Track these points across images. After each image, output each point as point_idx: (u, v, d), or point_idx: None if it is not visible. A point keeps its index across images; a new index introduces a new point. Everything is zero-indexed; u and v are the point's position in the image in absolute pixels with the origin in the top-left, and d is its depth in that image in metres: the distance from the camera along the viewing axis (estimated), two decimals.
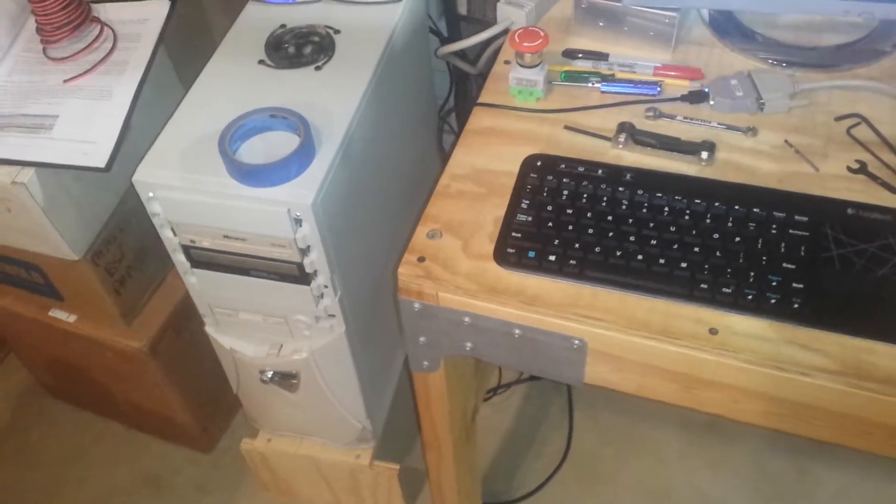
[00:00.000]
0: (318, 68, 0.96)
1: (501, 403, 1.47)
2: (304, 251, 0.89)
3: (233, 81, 0.95)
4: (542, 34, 0.84)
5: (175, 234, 0.91)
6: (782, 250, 0.70)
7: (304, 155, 0.85)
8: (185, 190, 0.85)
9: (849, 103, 0.84)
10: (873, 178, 0.78)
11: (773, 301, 0.67)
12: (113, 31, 1.07)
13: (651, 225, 0.73)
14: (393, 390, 1.26)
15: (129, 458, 1.45)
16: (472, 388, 0.99)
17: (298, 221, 0.85)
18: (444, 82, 1.33)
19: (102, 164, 0.94)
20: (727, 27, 0.93)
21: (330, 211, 0.86)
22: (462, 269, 0.74)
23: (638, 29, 0.90)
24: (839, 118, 0.83)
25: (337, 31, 1.00)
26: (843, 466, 1.36)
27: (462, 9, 1.33)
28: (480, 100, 0.88)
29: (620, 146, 0.82)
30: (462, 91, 1.37)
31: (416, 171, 1.20)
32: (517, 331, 0.72)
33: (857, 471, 1.35)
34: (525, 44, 0.83)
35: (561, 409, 1.45)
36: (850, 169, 0.79)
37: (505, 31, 0.96)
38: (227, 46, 1.00)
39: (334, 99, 0.91)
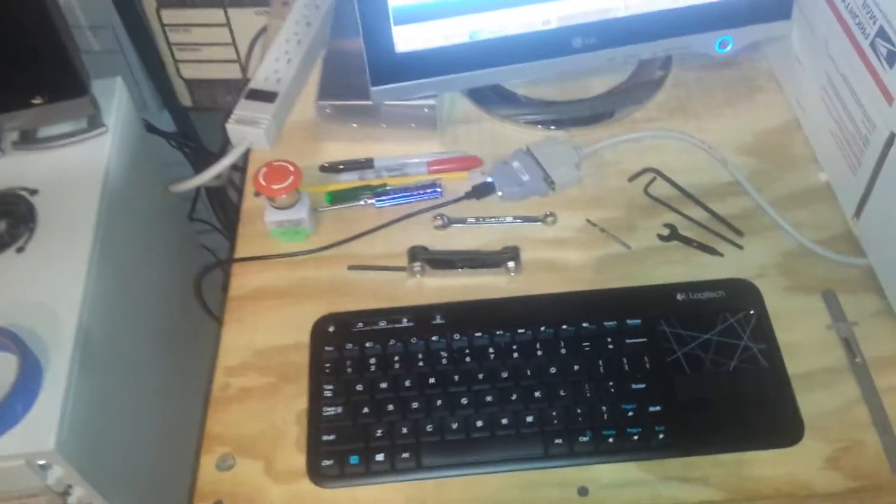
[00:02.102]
0: (20, 250, 0.75)
1: None
2: (66, 493, 0.69)
3: None
4: (291, 169, 0.69)
5: None
6: (626, 368, 0.62)
7: (27, 384, 0.65)
8: None
9: (637, 155, 0.78)
10: (687, 241, 0.72)
11: (635, 438, 0.59)
12: None
13: (481, 377, 0.62)
14: None
15: None
16: None
17: (46, 467, 0.66)
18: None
19: None
20: (488, 96, 0.83)
21: (84, 437, 0.67)
22: (272, 500, 0.58)
23: (397, 121, 0.78)
24: (632, 178, 0.77)
25: (34, 192, 0.79)
26: None
27: (185, 100, 1.15)
28: (237, 253, 0.72)
29: (418, 275, 0.70)
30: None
31: (189, 322, 1.01)
32: None
33: None
34: (274, 186, 0.68)
35: None
36: (660, 237, 0.72)
37: (245, 153, 0.80)
38: None
39: (51, 287, 0.72)
